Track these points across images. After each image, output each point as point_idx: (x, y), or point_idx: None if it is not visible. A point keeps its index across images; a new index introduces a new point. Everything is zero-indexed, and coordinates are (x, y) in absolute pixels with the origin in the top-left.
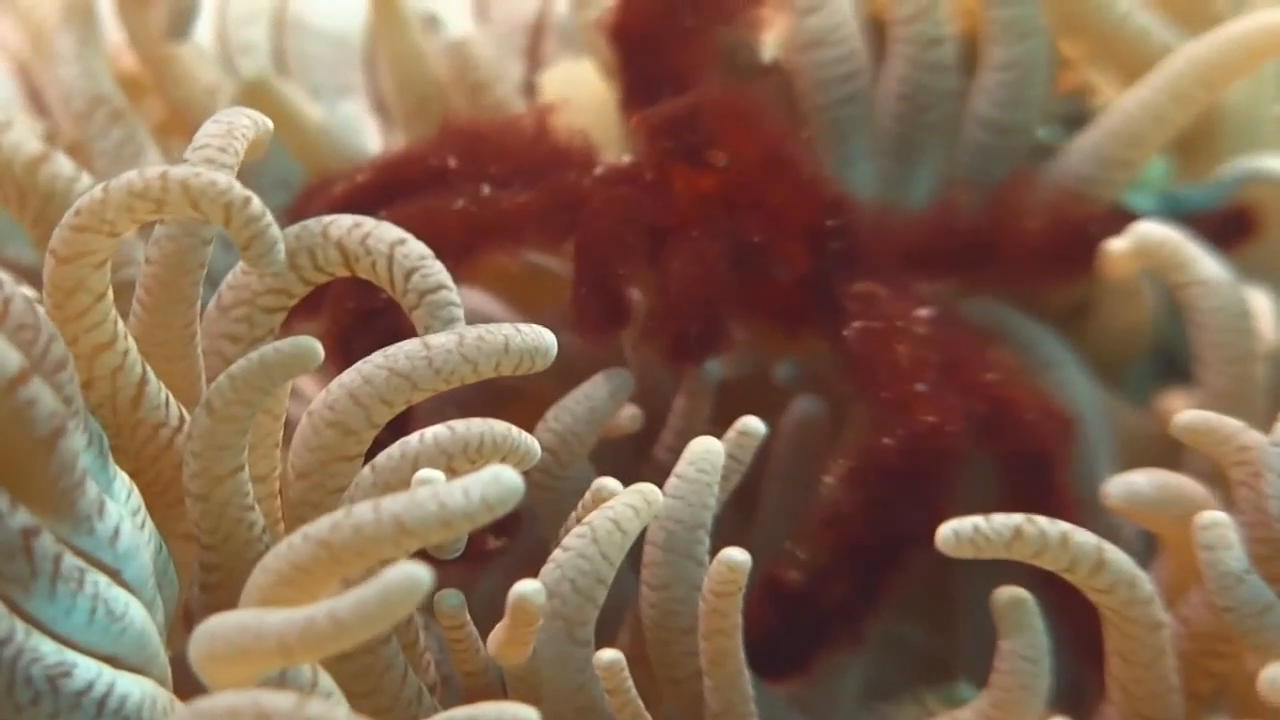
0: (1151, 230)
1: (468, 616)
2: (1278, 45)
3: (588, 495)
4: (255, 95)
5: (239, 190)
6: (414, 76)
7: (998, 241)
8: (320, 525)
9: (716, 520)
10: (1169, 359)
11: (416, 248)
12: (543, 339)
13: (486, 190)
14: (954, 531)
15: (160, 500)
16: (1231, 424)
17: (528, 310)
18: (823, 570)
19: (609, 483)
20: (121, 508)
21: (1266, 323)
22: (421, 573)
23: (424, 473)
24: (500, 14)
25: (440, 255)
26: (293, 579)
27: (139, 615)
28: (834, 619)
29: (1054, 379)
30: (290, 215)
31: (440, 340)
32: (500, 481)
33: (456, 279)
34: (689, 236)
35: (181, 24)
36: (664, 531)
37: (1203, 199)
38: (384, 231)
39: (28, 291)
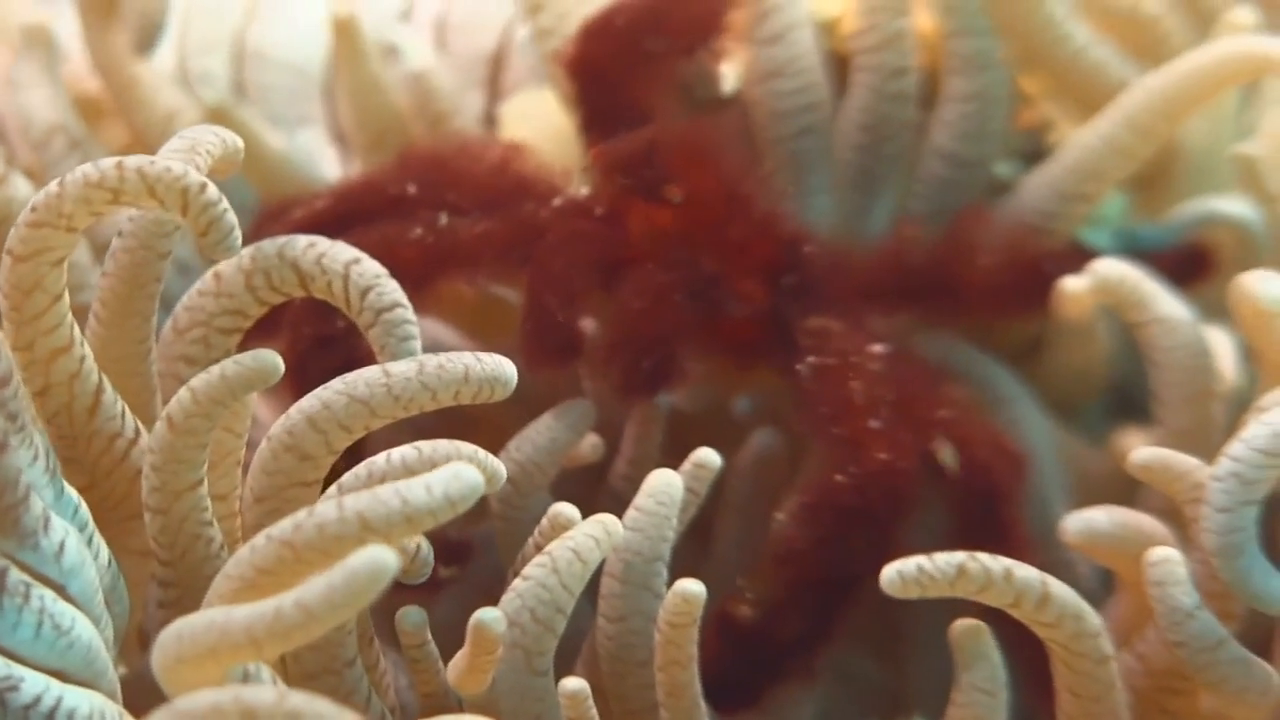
0: (1111, 267)
1: (429, 635)
2: (1235, 74)
3: (544, 521)
4: (217, 121)
5: (194, 176)
6: (374, 107)
7: (951, 277)
8: (283, 526)
9: (672, 553)
10: (1124, 396)
11: (371, 267)
12: (503, 368)
13: (445, 219)
14: (898, 572)
15: (114, 515)
16: (1187, 461)
17: (485, 340)
18: (775, 606)
19: (566, 509)
20: (68, 523)
21: (1226, 362)
22: (387, 556)
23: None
24: (460, 45)
25: (400, 282)
26: (256, 582)
27: (86, 630)
28: (786, 653)
29: (1008, 416)
30: (247, 240)
31: (400, 368)
32: (461, 478)
33: (414, 308)
34: (642, 270)
35: (147, 37)
36: (622, 563)
37: (1159, 238)
38: (339, 251)
39: None
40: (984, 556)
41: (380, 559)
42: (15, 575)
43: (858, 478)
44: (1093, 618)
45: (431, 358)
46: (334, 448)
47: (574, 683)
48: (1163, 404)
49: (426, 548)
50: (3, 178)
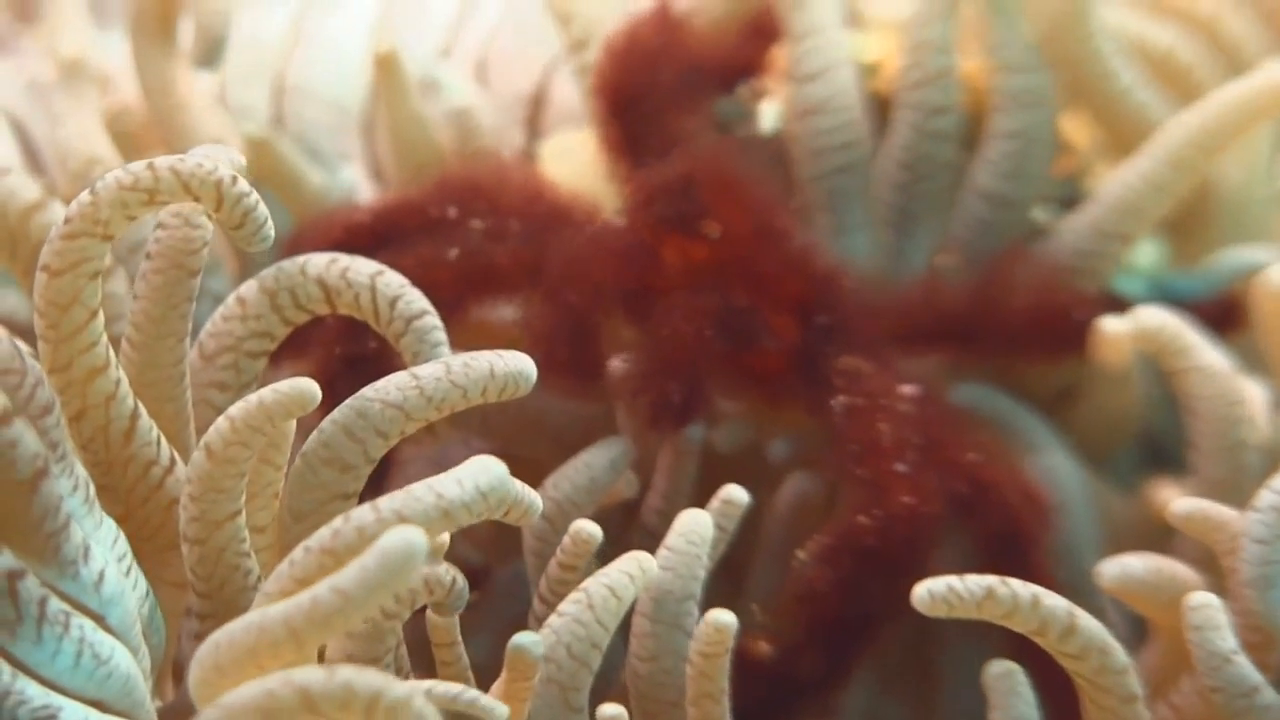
0: (1151, 315)
1: (459, 635)
2: (1272, 105)
3: (566, 539)
4: (259, 152)
5: (226, 169)
6: (414, 143)
7: (982, 320)
8: (320, 535)
9: (706, 596)
10: (1155, 446)
11: (396, 278)
12: (523, 363)
13: (481, 242)
14: (928, 590)
15: (150, 545)
16: (1226, 512)
17: None
18: (794, 645)
19: (587, 525)
20: (107, 553)
21: (1260, 413)
22: (417, 534)
23: None
24: (500, 84)
25: (433, 305)
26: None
27: (124, 660)
28: (802, 693)
29: (1041, 464)
30: (288, 249)
31: (428, 370)
32: (489, 470)
33: (449, 330)
34: (673, 300)
35: (210, 49)
36: (653, 602)
37: (1193, 287)
38: (362, 264)
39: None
40: (1014, 582)
41: (410, 537)
42: (55, 604)
43: (880, 520)
44: (1119, 654)
45: (456, 358)
46: (371, 456)
47: (611, 709)
48: (1199, 453)
49: (462, 581)
50: (42, 203)
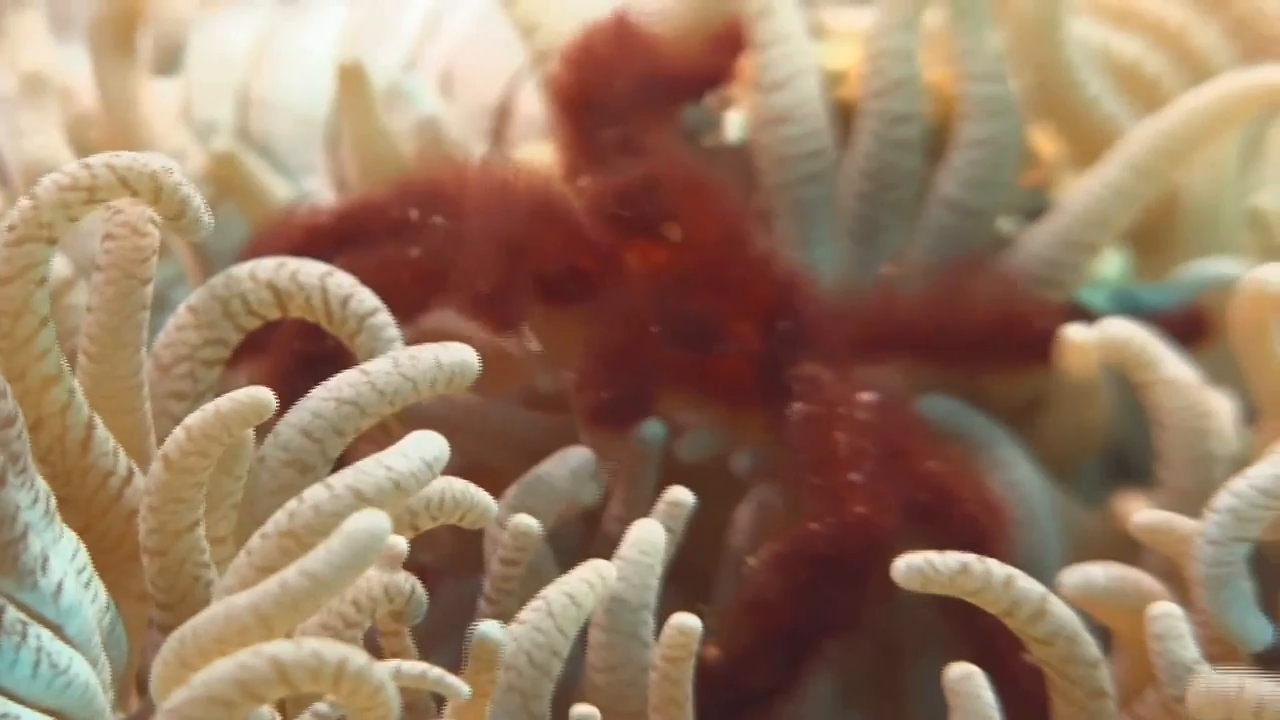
0: (1119, 326)
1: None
2: (1233, 113)
3: (506, 534)
4: (223, 165)
5: (158, 160)
6: (378, 155)
7: (940, 329)
8: (277, 519)
9: (670, 608)
10: (1120, 459)
11: (346, 278)
12: (466, 354)
13: (443, 243)
14: (906, 563)
15: (112, 557)
16: (1190, 524)
17: (487, 391)
18: (742, 652)
19: (525, 520)
20: (66, 564)
21: (1228, 426)
22: (380, 518)
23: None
24: (465, 96)
25: (393, 307)
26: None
27: (83, 670)
28: (750, 701)
29: (1007, 477)
30: (248, 252)
31: (377, 365)
32: (431, 440)
33: (410, 330)
34: (619, 301)
35: (169, 58)
36: (608, 613)
37: (1158, 299)
38: (310, 266)
39: None
40: (990, 560)
41: (375, 519)
42: (13, 614)
43: (834, 529)
44: (1091, 647)
45: (402, 351)
46: (329, 455)
47: (584, 709)
48: (1167, 466)
49: (421, 589)
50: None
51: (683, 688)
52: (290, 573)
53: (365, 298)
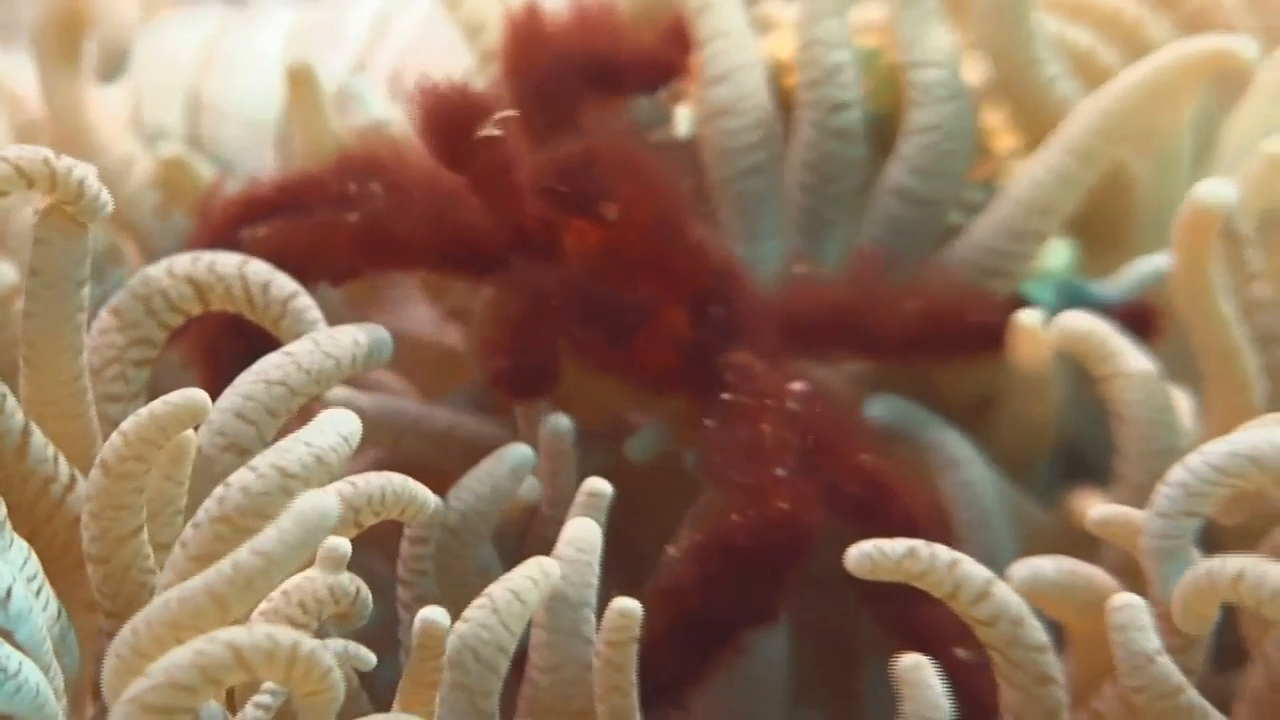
0: (1077, 319)
1: None
2: (1172, 85)
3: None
4: (171, 173)
5: (46, 149)
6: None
7: (869, 321)
8: (206, 507)
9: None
10: (1073, 457)
11: (263, 265)
12: (381, 333)
13: (381, 212)
14: (856, 550)
15: (58, 566)
16: (1144, 516)
17: (436, 391)
18: (651, 640)
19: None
20: (16, 572)
21: (1187, 420)
22: (328, 499)
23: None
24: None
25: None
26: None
27: (34, 675)
28: (655, 690)
29: (959, 477)
30: (194, 236)
31: (299, 345)
32: (343, 415)
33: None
34: (532, 273)
35: (112, 63)
36: (549, 612)
37: (1104, 293)
38: (226, 257)
39: None
40: (938, 546)
41: (323, 498)
42: None
43: (754, 522)
44: (1037, 632)
45: (321, 331)
46: (265, 438)
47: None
48: (1126, 459)
49: (365, 590)
50: None
51: (626, 674)
52: (241, 553)
53: (284, 282)
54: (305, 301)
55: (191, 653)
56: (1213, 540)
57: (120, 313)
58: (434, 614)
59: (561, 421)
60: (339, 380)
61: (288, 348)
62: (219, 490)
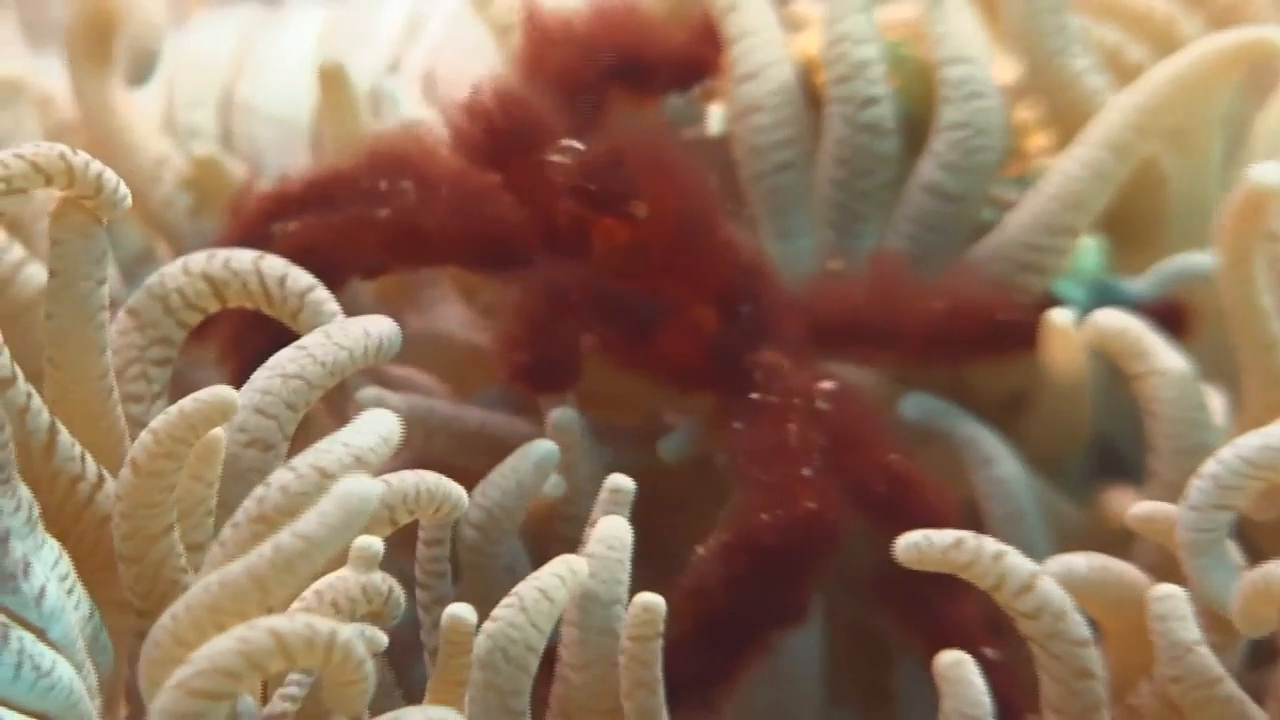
0: (1111, 317)
1: None
2: (1204, 78)
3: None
4: (205, 173)
5: (61, 146)
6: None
7: (894, 320)
8: (245, 508)
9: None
10: (1106, 453)
11: (278, 259)
12: (389, 326)
13: (409, 209)
14: (905, 539)
15: (88, 565)
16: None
17: (469, 390)
18: (678, 640)
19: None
20: (48, 571)
21: (1220, 419)
22: (370, 483)
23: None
24: (449, 97)
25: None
26: None
27: (67, 673)
28: (682, 690)
29: (992, 474)
30: (225, 233)
31: (312, 339)
32: (378, 415)
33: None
34: (554, 268)
35: (142, 67)
36: (580, 610)
37: (1136, 292)
38: (242, 252)
39: None
40: (985, 537)
41: (364, 482)
42: None
43: (781, 521)
44: (1079, 627)
45: (332, 324)
46: (286, 432)
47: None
48: (1159, 457)
49: (399, 590)
50: None
51: (652, 670)
52: (282, 536)
53: (300, 275)
54: (322, 294)
55: (235, 639)
56: (1247, 537)
57: (138, 312)
58: (460, 610)
59: (566, 414)
60: (352, 372)
61: (300, 341)
62: (258, 490)
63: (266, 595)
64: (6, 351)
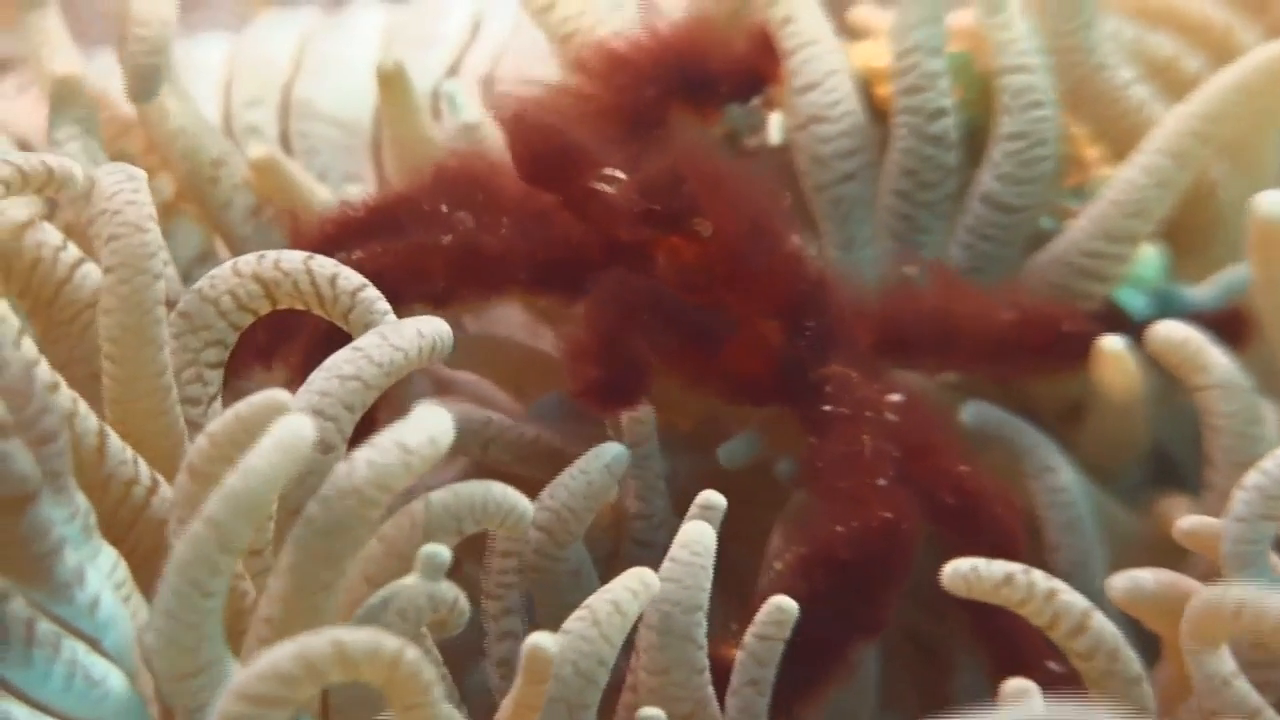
0: (1173, 329)
1: None
2: (1265, 85)
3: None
4: (265, 171)
5: (42, 157)
6: (420, 160)
7: (960, 332)
8: (308, 513)
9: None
10: (1164, 461)
11: (328, 260)
12: (441, 326)
13: (475, 232)
14: (953, 568)
15: (147, 569)
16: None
17: (523, 393)
18: None
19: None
20: (104, 579)
21: (1274, 431)
22: (303, 421)
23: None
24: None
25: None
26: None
27: (119, 683)
28: (771, 706)
29: (1050, 483)
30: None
31: (366, 339)
32: (434, 413)
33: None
34: (616, 281)
35: (146, 87)
36: (660, 614)
37: (1197, 300)
38: (291, 253)
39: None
40: (1036, 572)
41: (297, 420)
42: (45, 626)
43: (857, 533)
44: (1133, 664)
45: (385, 324)
46: (345, 432)
47: (651, 711)
48: (1216, 469)
49: (464, 599)
50: (32, 222)
51: (767, 669)
52: (227, 481)
53: (351, 275)
54: (373, 293)
55: (297, 645)
56: None
57: (190, 316)
58: (543, 640)
59: (645, 410)
60: (407, 372)
61: (356, 343)
62: (319, 495)
63: (227, 543)
64: (45, 360)
